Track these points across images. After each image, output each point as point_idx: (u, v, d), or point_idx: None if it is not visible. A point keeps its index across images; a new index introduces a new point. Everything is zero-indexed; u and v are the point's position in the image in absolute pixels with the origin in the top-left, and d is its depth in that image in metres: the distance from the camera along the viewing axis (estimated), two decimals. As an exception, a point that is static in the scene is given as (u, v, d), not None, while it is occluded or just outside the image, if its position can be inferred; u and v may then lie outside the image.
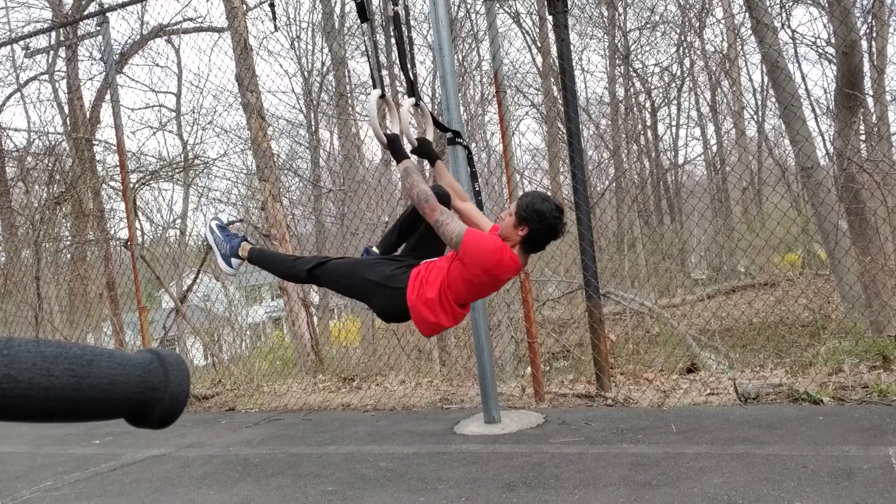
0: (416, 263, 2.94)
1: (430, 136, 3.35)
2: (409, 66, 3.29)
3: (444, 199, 2.89)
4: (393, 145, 2.99)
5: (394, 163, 3.33)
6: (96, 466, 4.12)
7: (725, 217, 15.06)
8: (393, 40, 3.45)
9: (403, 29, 3.30)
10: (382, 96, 3.12)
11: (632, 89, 18.34)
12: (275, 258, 3.41)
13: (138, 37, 11.99)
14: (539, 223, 2.76)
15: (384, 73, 12.19)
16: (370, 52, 3.16)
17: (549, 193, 2.90)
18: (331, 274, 3.00)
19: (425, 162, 3.40)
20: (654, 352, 7.17)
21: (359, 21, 3.28)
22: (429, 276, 2.86)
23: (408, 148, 3.32)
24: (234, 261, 3.22)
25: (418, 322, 2.89)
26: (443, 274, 2.83)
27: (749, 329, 7.65)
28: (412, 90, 3.29)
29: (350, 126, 12.25)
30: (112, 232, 10.50)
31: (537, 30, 16.08)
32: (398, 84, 12.39)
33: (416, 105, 3.30)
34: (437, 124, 3.57)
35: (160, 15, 18.51)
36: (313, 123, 16.46)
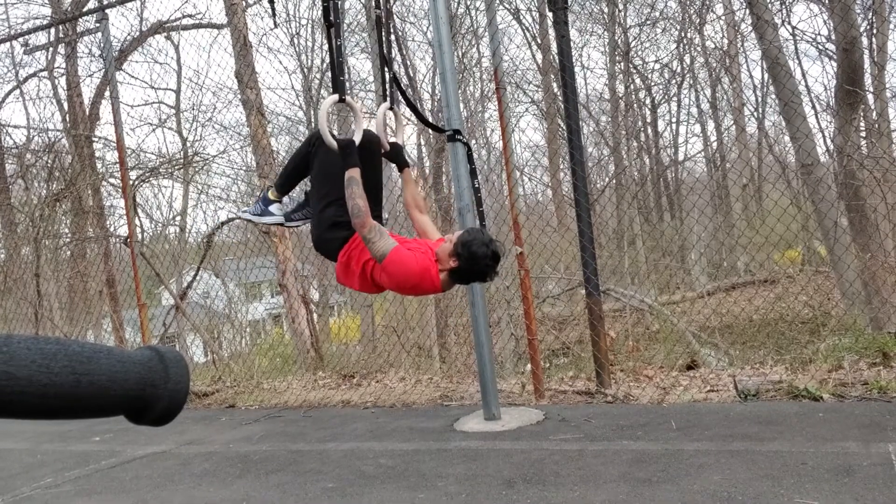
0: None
1: (401, 141, 3.36)
2: (387, 70, 3.29)
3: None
4: (344, 151, 2.99)
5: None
6: (96, 463, 4.12)
7: (725, 214, 15.06)
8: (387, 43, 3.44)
9: (383, 33, 3.31)
10: (342, 100, 3.11)
11: (632, 86, 18.33)
12: (287, 166, 3.41)
13: (137, 33, 11.98)
14: (468, 263, 2.81)
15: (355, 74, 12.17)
16: (333, 56, 3.15)
17: (493, 238, 2.89)
18: (321, 165, 3.10)
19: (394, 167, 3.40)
20: (654, 349, 7.17)
21: (362, 19, 3.29)
22: (360, 252, 2.94)
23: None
24: (272, 207, 3.28)
25: (337, 272, 3.09)
26: (368, 258, 2.92)
27: (749, 326, 7.65)
28: (385, 94, 3.29)
29: (350, 123, 12.24)
30: (112, 229, 10.50)
31: (537, 26, 16.07)
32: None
33: (391, 109, 3.29)
34: (432, 126, 3.58)
35: (159, 11, 18.47)
36: (313, 120, 16.45)
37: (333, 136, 3.04)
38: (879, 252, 6.44)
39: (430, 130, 12.61)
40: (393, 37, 3.35)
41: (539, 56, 15.82)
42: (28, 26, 11.22)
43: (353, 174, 2.94)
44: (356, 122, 3.19)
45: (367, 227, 2.83)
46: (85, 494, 3.50)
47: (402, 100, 3.44)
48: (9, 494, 3.61)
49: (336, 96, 3.09)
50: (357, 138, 3.06)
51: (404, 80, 12.52)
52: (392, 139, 3.29)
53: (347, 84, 3.18)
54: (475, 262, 2.80)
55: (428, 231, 3.20)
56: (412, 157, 14.78)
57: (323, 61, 15.68)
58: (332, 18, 3.10)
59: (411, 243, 2.97)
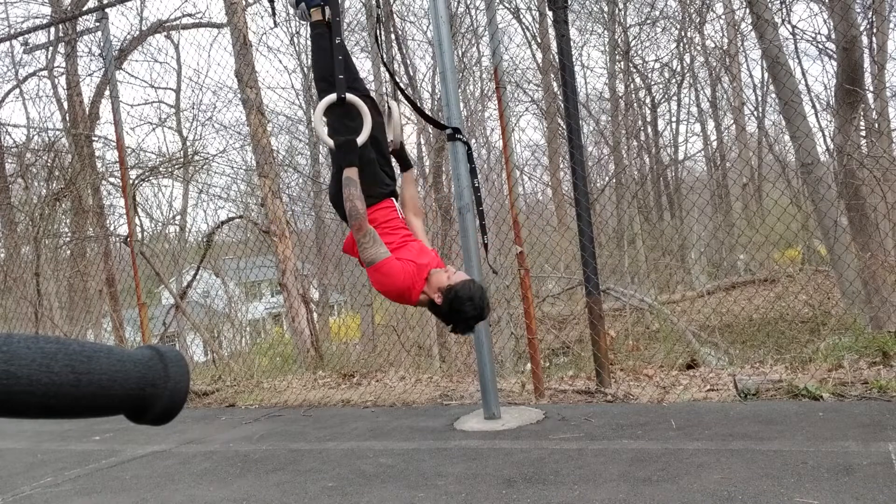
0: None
1: (402, 139, 3.35)
2: (391, 68, 3.29)
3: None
4: (341, 149, 2.90)
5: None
6: (96, 462, 4.12)
7: (725, 213, 15.07)
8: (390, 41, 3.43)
9: (381, 32, 3.30)
10: (341, 101, 2.96)
11: (632, 85, 18.34)
12: (323, 54, 3.14)
13: (137, 33, 11.97)
14: (450, 311, 2.85)
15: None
16: (333, 53, 3.03)
17: (488, 303, 2.93)
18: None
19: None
20: (654, 348, 7.17)
21: (362, 21, 3.26)
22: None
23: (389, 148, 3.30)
24: (302, 6, 3.16)
25: (347, 240, 3.14)
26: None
27: (749, 325, 7.65)
28: (398, 93, 3.29)
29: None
30: (112, 228, 10.50)
31: (537, 25, 16.08)
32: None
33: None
34: (433, 122, 3.55)
35: (159, 11, 18.46)
36: (312, 119, 16.43)
37: (331, 136, 2.99)
38: (879, 251, 6.45)
39: (431, 129, 12.61)
40: (393, 35, 3.33)
41: (539, 55, 15.83)
42: (28, 25, 11.21)
43: (351, 174, 2.89)
44: (389, 122, 3.13)
45: (363, 231, 2.85)
46: (85, 493, 3.51)
47: (403, 98, 3.43)
48: (9, 493, 3.61)
49: (334, 96, 2.98)
50: (392, 134, 3.07)
51: (404, 80, 12.51)
52: (399, 138, 3.29)
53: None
54: (458, 316, 2.85)
55: (418, 236, 3.20)
56: (412, 157, 14.80)
57: (323, 60, 15.66)
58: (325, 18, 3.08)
59: (410, 250, 2.97)
